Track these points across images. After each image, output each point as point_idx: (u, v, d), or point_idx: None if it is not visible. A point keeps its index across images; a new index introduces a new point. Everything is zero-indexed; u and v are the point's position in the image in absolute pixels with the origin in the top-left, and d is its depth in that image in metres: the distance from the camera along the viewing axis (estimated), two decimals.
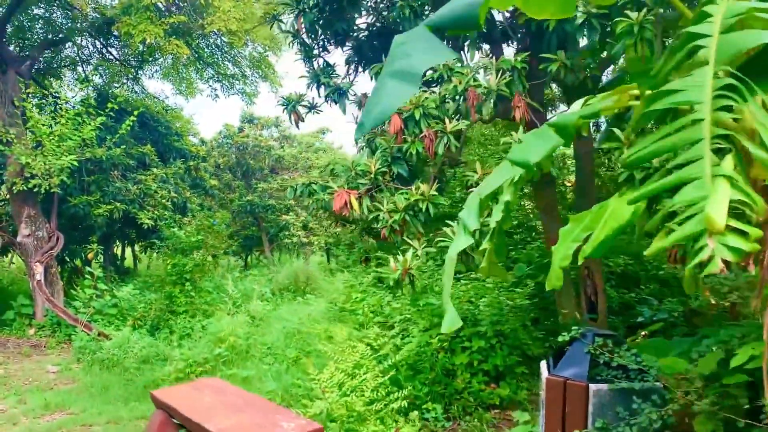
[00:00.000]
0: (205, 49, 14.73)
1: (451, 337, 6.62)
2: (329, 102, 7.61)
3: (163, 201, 14.01)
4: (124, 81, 16.78)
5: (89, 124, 11.06)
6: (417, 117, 5.41)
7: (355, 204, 5.37)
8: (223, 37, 13.25)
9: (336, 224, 12.75)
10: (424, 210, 5.27)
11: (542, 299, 7.45)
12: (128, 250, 20.21)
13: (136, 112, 13.13)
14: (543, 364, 4.51)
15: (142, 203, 13.99)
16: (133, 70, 16.57)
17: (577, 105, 2.45)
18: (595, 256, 2.45)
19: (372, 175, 5.68)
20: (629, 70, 5.16)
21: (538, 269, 8.04)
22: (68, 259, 14.66)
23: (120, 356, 8.85)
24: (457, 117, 5.69)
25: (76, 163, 10.60)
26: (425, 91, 5.86)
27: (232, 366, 8.05)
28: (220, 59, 15.14)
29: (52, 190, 10.79)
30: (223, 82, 15.71)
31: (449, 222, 5.26)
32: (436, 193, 5.42)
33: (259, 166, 22.35)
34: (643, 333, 5.93)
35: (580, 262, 2.20)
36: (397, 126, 5.39)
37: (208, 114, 62.56)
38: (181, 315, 11.52)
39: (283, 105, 7.55)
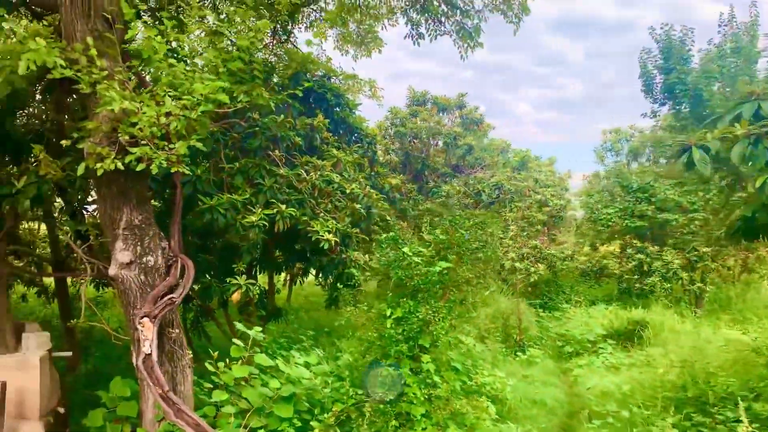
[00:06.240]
0: None
1: None
2: None
3: (353, 204, 8.21)
4: (269, 36, 11.43)
5: (246, 35, 5.42)
6: None
7: None
8: None
9: None
10: None
11: None
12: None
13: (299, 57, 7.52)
14: None
15: (315, 207, 8.28)
16: (285, 18, 11.21)
17: None
18: None
19: None
20: None
21: None
22: (197, 302, 9.04)
23: None
24: None
25: (213, 108, 4.92)
26: None
27: None
28: None
29: (172, 170, 5.26)
30: (431, 12, 9.69)
31: None
32: None
33: (433, 164, 16.38)
34: None
35: None
36: None
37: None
38: (418, 424, 5.51)
39: None
